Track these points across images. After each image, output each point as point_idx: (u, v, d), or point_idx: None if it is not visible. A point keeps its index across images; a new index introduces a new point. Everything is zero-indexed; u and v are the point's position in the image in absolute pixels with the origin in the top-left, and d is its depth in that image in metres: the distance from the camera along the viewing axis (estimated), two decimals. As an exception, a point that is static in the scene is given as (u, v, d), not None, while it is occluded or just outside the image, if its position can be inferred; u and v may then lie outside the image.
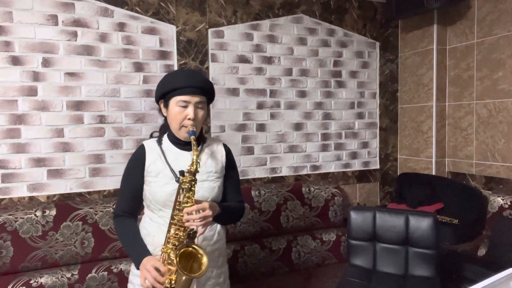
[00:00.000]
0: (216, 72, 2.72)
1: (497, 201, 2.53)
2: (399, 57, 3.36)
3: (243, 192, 2.51)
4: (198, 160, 1.38)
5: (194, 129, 1.44)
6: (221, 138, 2.72)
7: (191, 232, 1.39)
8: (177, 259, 1.30)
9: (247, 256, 2.52)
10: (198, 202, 1.38)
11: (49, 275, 2.07)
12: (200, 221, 1.35)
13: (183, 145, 1.53)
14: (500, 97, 2.74)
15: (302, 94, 3.01)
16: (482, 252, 2.45)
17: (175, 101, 1.45)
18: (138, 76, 2.50)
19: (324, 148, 3.12)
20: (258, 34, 2.84)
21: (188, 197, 1.36)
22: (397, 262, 2.16)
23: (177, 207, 1.38)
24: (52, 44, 2.29)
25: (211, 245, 1.55)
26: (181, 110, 1.45)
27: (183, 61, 2.60)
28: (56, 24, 2.30)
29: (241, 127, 2.81)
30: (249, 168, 2.85)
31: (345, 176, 3.20)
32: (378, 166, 3.34)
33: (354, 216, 2.24)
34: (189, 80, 1.46)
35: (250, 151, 2.85)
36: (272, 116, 2.91)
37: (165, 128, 1.58)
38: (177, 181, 1.42)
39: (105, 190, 2.44)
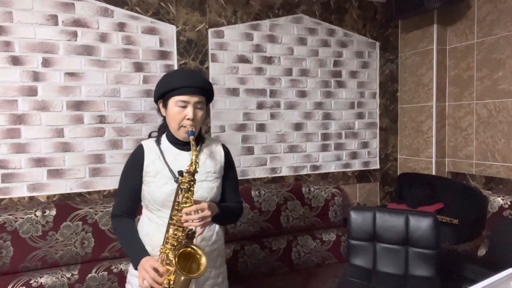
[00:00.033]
0: (216, 72, 2.72)
1: (497, 201, 2.53)
2: (399, 57, 3.36)
3: (243, 192, 2.55)
4: (197, 160, 1.38)
5: (193, 129, 1.44)
6: (221, 138, 2.72)
7: (189, 233, 1.39)
8: (176, 259, 1.30)
9: (247, 256, 2.52)
10: (197, 202, 1.37)
11: (49, 275, 2.07)
12: (199, 221, 1.35)
13: (182, 145, 1.53)
14: (500, 97, 2.73)
15: (302, 94, 3.01)
16: (482, 252, 2.45)
17: (174, 101, 1.45)
18: (138, 76, 2.50)
19: (324, 148, 3.12)
20: (258, 34, 2.84)
21: (187, 197, 1.36)
22: (397, 262, 2.16)
23: (176, 207, 1.38)
24: (52, 44, 2.30)
25: (210, 245, 1.55)
26: (180, 110, 1.45)
27: (183, 61, 2.60)
28: (56, 24, 2.30)
29: (241, 127, 2.81)
30: (249, 168, 2.85)
31: (345, 176, 3.20)
32: (378, 166, 3.34)
33: (354, 216, 2.24)
34: (188, 80, 1.45)
35: (250, 151, 2.85)
36: (272, 116, 2.91)
37: (163, 128, 1.58)
38: (176, 181, 1.42)
39: (105, 190, 2.44)
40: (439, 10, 3.00)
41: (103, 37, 2.41)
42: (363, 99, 3.25)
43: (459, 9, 2.97)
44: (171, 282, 1.34)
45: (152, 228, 1.52)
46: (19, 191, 2.26)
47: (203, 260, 1.35)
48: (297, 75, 2.98)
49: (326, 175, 3.12)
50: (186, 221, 1.34)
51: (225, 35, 2.73)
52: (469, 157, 2.97)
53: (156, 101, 1.55)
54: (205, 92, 1.51)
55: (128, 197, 1.56)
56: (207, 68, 2.68)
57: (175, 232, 1.38)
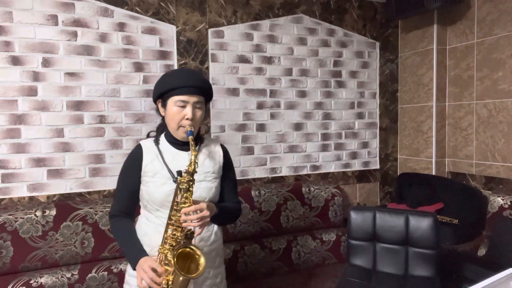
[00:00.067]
0: (216, 72, 2.72)
1: (497, 201, 2.53)
2: (399, 57, 3.36)
3: (243, 192, 2.55)
4: (196, 161, 1.38)
5: (192, 129, 1.43)
6: (221, 138, 2.72)
7: (188, 233, 1.39)
8: (175, 259, 1.30)
9: (247, 256, 2.52)
10: (196, 202, 1.37)
11: (49, 275, 2.07)
12: (197, 221, 1.35)
13: (181, 145, 1.53)
14: (500, 97, 2.73)
15: (302, 94, 3.01)
16: (482, 252, 2.45)
17: (173, 101, 1.45)
18: (138, 76, 2.51)
19: (324, 148, 3.12)
20: (258, 34, 2.84)
21: (186, 198, 1.36)
22: (397, 262, 2.16)
23: (175, 208, 1.38)
24: (52, 44, 2.30)
25: (208, 245, 1.55)
26: (179, 110, 1.45)
27: (183, 61, 2.60)
28: (56, 24, 2.30)
29: (241, 127, 2.81)
30: (249, 168, 2.85)
31: (345, 176, 3.20)
32: (378, 166, 3.34)
33: (354, 216, 2.24)
34: (187, 80, 1.45)
35: (250, 151, 2.85)
36: (272, 116, 2.91)
37: (162, 128, 1.57)
38: (175, 181, 1.42)
39: (105, 190, 2.44)
40: (439, 10, 3.00)
41: (103, 37, 2.41)
42: (363, 99, 3.25)
43: (459, 9, 2.97)
44: (170, 282, 1.34)
45: (150, 228, 1.51)
46: (19, 191, 2.26)
47: (202, 260, 1.35)
48: (297, 75, 2.98)
49: (326, 175, 3.12)
50: (185, 221, 1.34)
51: (225, 35, 2.73)
52: (469, 157, 2.96)
53: (155, 101, 1.54)
54: (204, 92, 1.50)
55: (126, 197, 1.55)
56: (207, 68, 2.68)
57: (174, 232, 1.38)
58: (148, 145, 1.54)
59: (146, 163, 1.50)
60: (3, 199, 2.23)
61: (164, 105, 1.49)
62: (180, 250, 1.35)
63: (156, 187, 1.48)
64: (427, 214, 2.14)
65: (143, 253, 1.43)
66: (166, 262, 1.36)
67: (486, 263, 2.29)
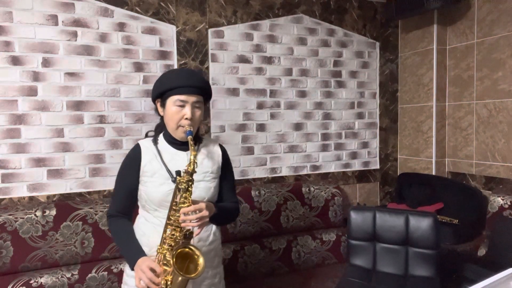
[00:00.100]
0: (216, 72, 2.72)
1: (497, 201, 2.53)
2: (399, 57, 3.36)
3: (243, 192, 2.55)
4: (196, 160, 1.38)
5: (191, 129, 1.43)
6: (221, 138, 2.73)
7: (187, 233, 1.38)
8: (174, 259, 1.30)
9: (247, 256, 2.52)
10: (195, 202, 1.37)
11: (49, 275, 2.07)
12: (196, 221, 1.35)
13: (179, 145, 1.52)
14: (500, 97, 2.73)
15: (302, 94, 3.01)
16: (482, 252, 2.45)
17: (172, 101, 1.45)
18: (138, 76, 2.51)
19: (324, 148, 3.12)
20: (258, 34, 2.84)
21: (185, 198, 1.35)
22: (397, 262, 2.16)
23: (174, 208, 1.38)
24: (52, 44, 2.30)
25: (207, 245, 1.55)
26: (178, 110, 1.44)
27: (183, 61, 2.60)
28: (56, 24, 2.30)
29: (241, 127, 2.81)
30: (249, 168, 2.85)
31: (345, 176, 3.20)
32: (378, 166, 3.34)
33: (354, 216, 2.24)
34: (187, 79, 1.45)
35: (250, 151, 2.85)
36: (272, 116, 2.91)
37: (161, 128, 1.57)
38: (174, 181, 1.41)
39: (105, 190, 2.44)
40: (439, 10, 3.00)
41: (103, 37, 2.41)
42: (363, 99, 3.25)
43: (459, 9, 2.97)
44: (169, 283, 1.34)
45: (149, 228, 1.51)
46: (19, 191, 2.26)
47: (201, 260, 1.35)
48: (297, 75, 2.98)
49: (326, 175, 3.12)
50: (184, 221, 1.34)
51: (225, 35, 2.73)
52: (469, 157, 2.96)
53: (153, 101, 1.53)
54: (203, 91, 1.50)
55: (125, 197, 1.55)
56: (207, 68, 2.68)
57: (173, 232, 1.38)
58: (146, 145, 1.54)
59: (144, 163, 1.50)
60: (3, 199, 2.23)
61: (163, 105, 1.49)
62: (179, 250, 1.34)
63: (154, 187, 1.48)
64: (427, 214, 2.14)
65: (141, 253, 1.43)
66: (165, 262, 1.36)
67: (486, 263, 2.29)
